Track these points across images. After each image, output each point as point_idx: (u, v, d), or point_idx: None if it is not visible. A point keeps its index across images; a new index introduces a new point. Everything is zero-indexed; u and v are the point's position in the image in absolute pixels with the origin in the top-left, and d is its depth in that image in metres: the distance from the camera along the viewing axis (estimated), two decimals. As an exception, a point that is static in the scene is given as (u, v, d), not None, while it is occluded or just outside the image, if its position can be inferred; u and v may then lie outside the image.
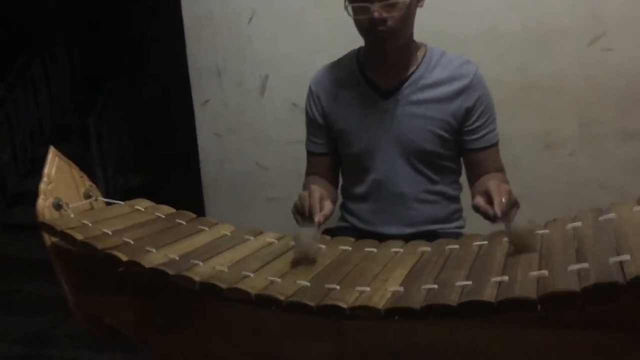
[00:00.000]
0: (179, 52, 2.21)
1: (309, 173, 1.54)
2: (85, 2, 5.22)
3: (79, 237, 1.01)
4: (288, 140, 2.10)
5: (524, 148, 1.84)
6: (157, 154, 4.37)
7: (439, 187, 1.44)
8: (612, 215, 0.91)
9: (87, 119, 4.21)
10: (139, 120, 4.59)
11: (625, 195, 1.76)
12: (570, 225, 0.94)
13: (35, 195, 1.07)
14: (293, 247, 1.12)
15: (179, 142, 3.10)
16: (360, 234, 1.47)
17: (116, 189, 4.38)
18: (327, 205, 1.21)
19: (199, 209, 2.32)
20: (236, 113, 2.16)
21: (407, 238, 1.40)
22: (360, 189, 1.47)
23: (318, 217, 1.16)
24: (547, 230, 0.96)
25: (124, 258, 0.98)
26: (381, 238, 1.42)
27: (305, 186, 1.43)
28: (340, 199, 1.56)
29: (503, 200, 1.07)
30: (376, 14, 1.23)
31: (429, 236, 1.43)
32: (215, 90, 2.17)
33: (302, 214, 1.20)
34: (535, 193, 1.86)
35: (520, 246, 0.92)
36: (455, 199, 1.48)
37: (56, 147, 1.16)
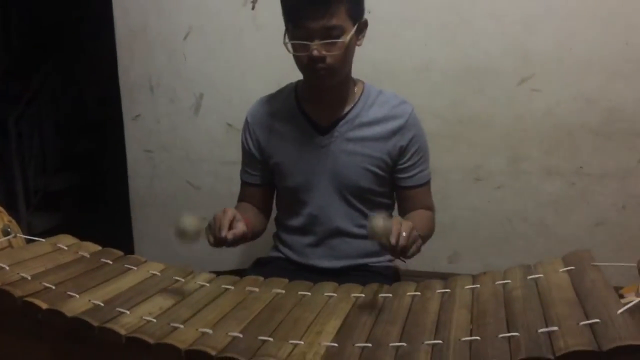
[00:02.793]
0: (111, 61, 2.13)
1: (240, 200, 1.52)
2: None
3: (-5, 283, 0.95)
4: (221, 161, 2.06)
5: (455, 180, 1.89)
6: (84, 159, 4.19)
7: (373, 223, 1.45)
8: (539, 275, 0.94)
9: (7, 114, 3.96)
10: (67, 123, 4.38)
11: (547, 230, 1.87)
12: (499, 282, 0.96)
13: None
14: (225, 290, 1.10)
15: (108, 153, 2.98)
16: (293, 265, 1.48)
17: (37, 192, 4.15)
18: (239, 226, 1.20)
19: (127, 224, 2.24)
20: (168, 130, 2.10)
21: (339, 271, 1.43)
22: (295, 222, 1.46)
23: (224, 233, 1.15)
24: (477, 285, 0.98)
25: (44, 306, 0.93)
26: (314, 271, 1.43)
27: None
28: (273, 229, 1.56)
29: (404, 234, 1.04)
30: (315, 52, 1.23)
31: (361, 269, 1.46)
32: (147, 106, 2.10)
33: (214, 232, 1.18)
34: (462, 224, 1.92)
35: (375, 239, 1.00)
36: (388, 234, 1.49)
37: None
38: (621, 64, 1.73)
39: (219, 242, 1.16)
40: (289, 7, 1.26)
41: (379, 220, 0.99)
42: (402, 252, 1.06)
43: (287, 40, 1.28)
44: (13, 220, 1.12)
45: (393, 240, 1.02)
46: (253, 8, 1.93)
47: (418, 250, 1.12)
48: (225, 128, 2.03)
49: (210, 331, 0.93)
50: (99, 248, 1.18)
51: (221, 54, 1.99)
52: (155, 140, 2.12)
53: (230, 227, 1.18)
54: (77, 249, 1.15)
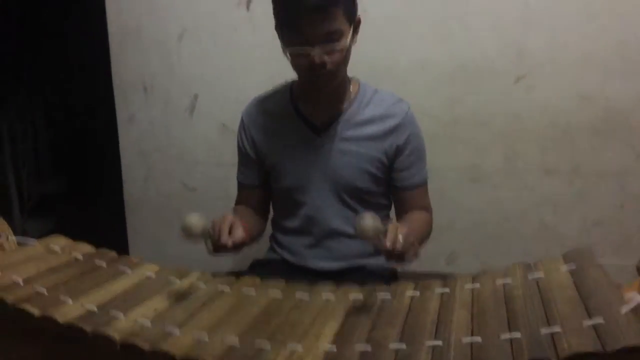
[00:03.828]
0: (104, 62, 2.11)
1: (238, 203, 1.50)
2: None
3: (-14, 287, 0.93)
4: (217, 162, 2.04)
5: (451, 180, 1.87)
6: (78, 162, 4.15)
7: (370, 223, 1.44)
8: (540, 274, 0.92)
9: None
10: (60, 126, 4.34)
11: (545, 229, 1.85)
12: (500, 282, 0.95)
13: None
14: (222, 292, 1.09)
15: (102, 155, 2.96)
16: (290, 267, 1.46)
17: (31, 196, 4.12)
18: (239, 232, 1.14)
19: (121, 226, 2.22)
20: (163, 132, 2.08)
21: (337, 273, 1.41)
22: (291, 223, 1.45)
23: (224, 240, 1.10)
24: (477, 285, 0.97)
25: (37, 313, 0.91)
26: (311, 272, 1.42)
27: None
28: (270, 231, 1.54)
29: (400, 238, 1.01)
30: (317, 59, 1.20)
31: (359, 270, 1.44)
32: (141, 107, 2.08)
33: (212, 239, 1.14)
34: (460, 224, 1.91)
35: (364, 238, 0.98)
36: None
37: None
38: (617, 61, 1.72)
39: (218, 248, 1.12)
40: (286, 12, 1.22)
41: (367, 220, 0.97)
42: (399, 257, 1.03)
43: (284, 45, 1.25)
44: (5, 222, 1.10)
45: (389, 245, 0.99)
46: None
47: (415, 256, 1.09)
48: (221, 129, 2.02)
49: (206, 337, 0.91)
50: (93, 250, 1.16)
51: (215, 55, 1.97)
52: (150, 142, 2.11)
53: (230, 234, 1.14)
54: (70, 250, 1.13)
